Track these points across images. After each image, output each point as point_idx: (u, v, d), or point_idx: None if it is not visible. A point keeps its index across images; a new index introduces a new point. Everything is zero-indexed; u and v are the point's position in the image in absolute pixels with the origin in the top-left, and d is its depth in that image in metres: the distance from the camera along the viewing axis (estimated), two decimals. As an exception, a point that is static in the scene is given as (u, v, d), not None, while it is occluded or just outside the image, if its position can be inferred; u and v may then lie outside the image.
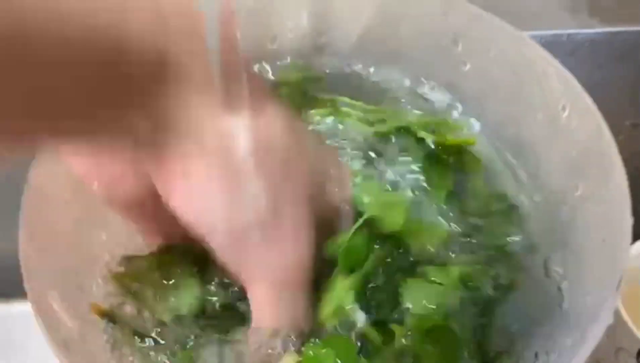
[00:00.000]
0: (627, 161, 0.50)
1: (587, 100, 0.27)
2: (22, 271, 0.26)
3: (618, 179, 0.25)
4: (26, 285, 0.25)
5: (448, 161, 0.30)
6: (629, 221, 0.24)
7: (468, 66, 0.33)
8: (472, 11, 0.31)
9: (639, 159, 0.50)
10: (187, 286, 0.29)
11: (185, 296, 0.28)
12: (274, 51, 0.35)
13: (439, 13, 0.32)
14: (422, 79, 0.33)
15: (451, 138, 0.31)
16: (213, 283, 0.29)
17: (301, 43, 0.36)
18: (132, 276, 0.29)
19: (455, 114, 0.32)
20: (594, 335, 0.21)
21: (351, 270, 0.27)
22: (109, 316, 0.29)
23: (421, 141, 0.30)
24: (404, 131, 0.30)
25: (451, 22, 0.32)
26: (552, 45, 0.44)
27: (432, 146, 0.30)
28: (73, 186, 0.28)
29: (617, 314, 0.44)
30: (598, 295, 0.23)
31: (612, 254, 0.24)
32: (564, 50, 0.44)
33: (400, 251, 0.27)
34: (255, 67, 0.34)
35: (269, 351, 0.27)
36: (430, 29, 0.33)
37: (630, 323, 0.43)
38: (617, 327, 0.44)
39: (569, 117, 0.28)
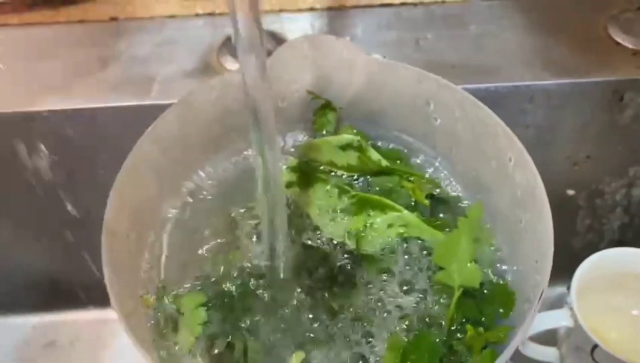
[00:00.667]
0: (584, 186, 0.59)
1: (526, 154, 0.35)
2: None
3: (545, 219, 0.33)
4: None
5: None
6: (551, 250, 0.32)
7: (439, 121, 0.41)
8: (440, 81, 0.39)
9: (594, 182, 0.58)
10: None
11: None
12: (283, 109, 0.43)
13: (414, 81, 0.40)
14: (403, 134, 0.42)
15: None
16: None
17: (305, 103, 0.43)
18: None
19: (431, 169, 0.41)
20: (524, 332, 0.29)
21: None
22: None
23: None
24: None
25: (424, 88, 0.40)
26: (513, 94, 0.53)
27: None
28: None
29: (574, 318, 0.51)
30: (530, 301, 0.31)
31: (540, 272, 0.32)
32: (523, 97, 0.52)
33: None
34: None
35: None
36: (408, 93, 0.41)
37: (585, 327, 0.50)
38: (575, 329, 0.52)
39: (513, 166, 0.36)
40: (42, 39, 0.55)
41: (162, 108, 0.50)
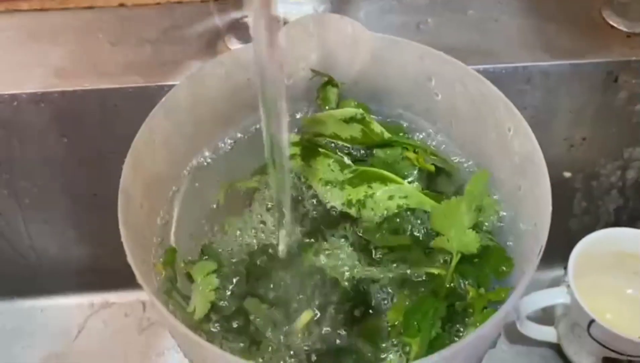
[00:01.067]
0: (580, 168, 0.60)
1: (525, 123, 0.37)
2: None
3: (544, 182, 0.34)
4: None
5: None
6: (549, 210, 0.33)
7: (440, 97, 0.43)
8: (443, 56, 0.41)
9: (590, 164, 0.60)
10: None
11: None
12: (288, 87, 0.44)
13: (417, 57, 0.42)
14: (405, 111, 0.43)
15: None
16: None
17: (310, 81, 0.45)
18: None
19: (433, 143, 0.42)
20: (521, 287, 0.30)
21: None
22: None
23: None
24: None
25: (427, 63, 0.42)
26: (512, 75, 0.54)
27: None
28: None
29: (572, 296, 0.53)
30: (530, 262, 0.33)
31: (538, 234, 0.33)
32: (521, 79, 0.53)
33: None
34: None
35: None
36: (411, 69, 0.43)
37: (582, 302, 0.52)
38: (572, 306, 0.53)
39: (512, 136, 0.38)
40: (51, 25, 0.56)
41: (170, 88, 0.52)
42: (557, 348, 0.58)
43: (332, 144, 0.43)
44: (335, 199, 0.40)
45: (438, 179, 0.41)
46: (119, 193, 0.34)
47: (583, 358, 0.55)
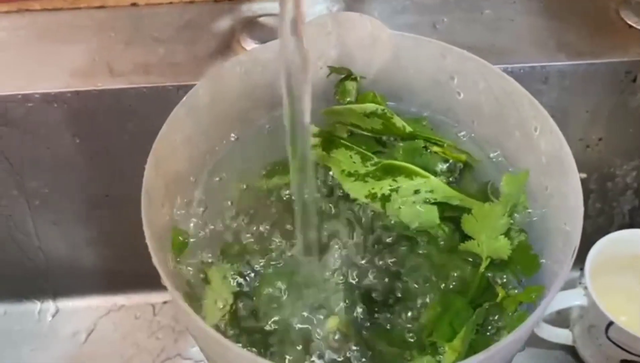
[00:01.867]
0: (596, 168, 0.60)
1: (552, 122, 0.36)
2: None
3: (573, 179, 0.34)
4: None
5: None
6: (581, 208, 0.33)
7: (462, 95, 0.42)
8: (465, 54, 0.40)
9: (606, 165, 0.60)
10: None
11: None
12: (320, 80, 0.43)
13: (439, 55, 0.41)
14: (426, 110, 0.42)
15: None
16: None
17: (328, 80, 0.44)
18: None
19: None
20: (556, 288, 0.30)
21: None
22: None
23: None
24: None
25: (448, 62, 0.41)
26: (528, 75, 0.54)
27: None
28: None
29: (589, 297, 0.52)
30: (560, 261, 0.32)
31: (570, 234, 0.33)
32: (538, 78, 0.53)
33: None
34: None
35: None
36: (432, 67, 0.42)
37: (599, 304, 0.51)
38: (589, 308, 0.53)
39: (539, 135, 0.37)
40: (63, 24, 0.56)
41: (185, 89, 0.52)
42: (572, 351, 0.58)
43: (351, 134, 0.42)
44: (358, 192, 0.39)
45: (462, 175, 0.40)
46: (142, 193, 0.33)
47: (599, 361, 0.54)
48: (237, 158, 0.43)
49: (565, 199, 0.34)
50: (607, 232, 0.56)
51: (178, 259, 0.37)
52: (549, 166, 0.37)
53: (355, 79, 0.43)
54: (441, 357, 0.31)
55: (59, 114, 0.52)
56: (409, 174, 0.39)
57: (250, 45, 0.53)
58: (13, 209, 0.57)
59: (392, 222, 0.38)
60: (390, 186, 0.39)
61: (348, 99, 0.42)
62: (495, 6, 0.56)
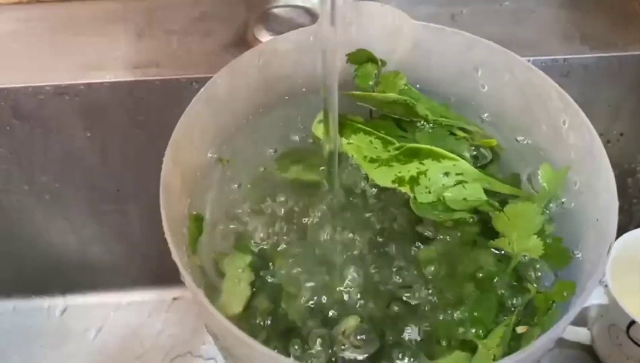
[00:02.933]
0: (616, 164, 0.58)
1: (582, 115, 0.35)
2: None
3: (606, 175, 0.33)
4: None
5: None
6: (615, 204, 0.32)
7: (486, 88, 0.41)
8: (492, 46, 0.39)
9: (626, 161, 0.58)
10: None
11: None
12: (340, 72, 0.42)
13: (464, 47, 0.40)
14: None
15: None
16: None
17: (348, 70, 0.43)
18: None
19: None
20: (592, 285, 0.29)
21: None
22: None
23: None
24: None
25: (474, 53, 0.40)
26: (551, 68, 0.52)
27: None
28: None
29: (609, 296, 0.51)
30: (594, 260, 0.31)
31: (603, 230, 0.32)
32: (560, 72, 0.51)
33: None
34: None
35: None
36: (456, 59, 0.41)
37: (621, 302, 0.50)
38: (610, 306, 0.51)
39: (568, 129, 0.36)
40: (75, 16, 0.55)
41: (198, 82, 0.51)
42: (589, 350, 0.57)
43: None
44: (383, 178, 0.37)
45: (489, 163, 0.39)
46: (161, 187, 0.32)
47: (619, 361, 0.53)
48: (252, 149, 0.42)
49: (597, 194, 0.33)
50: (627, 230, 0.55)
51: (194, 251, 0.36)
52: (578, 160, 0.35)
53: (376, 62, 0.41)
54: (468, 353, 0.30)
55: (70, 107, 0.51)
56: (436, 157, 0.37)
57: (264, 36, 0.52)
58: (23, 204, 0.57)
59: (420, 206, 0.36)
60: (418, 168, 0.37)
61: (370, 83, 0.41)
62: (515, -3, 0.55)
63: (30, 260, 0.61)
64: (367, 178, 0.38)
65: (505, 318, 0.32)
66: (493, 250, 0.34)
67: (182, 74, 0.50)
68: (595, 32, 0.52)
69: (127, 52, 0.52)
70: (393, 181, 0.37)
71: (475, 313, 0.32)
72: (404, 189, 0.37)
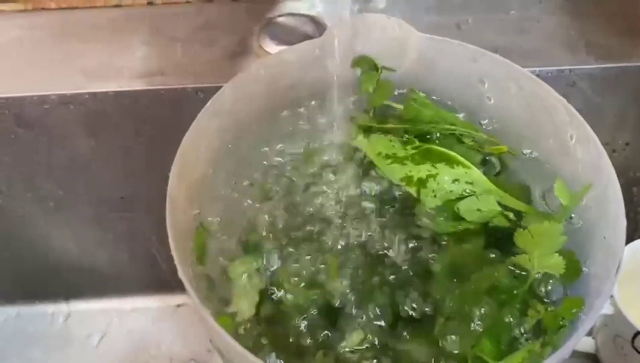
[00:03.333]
0: (622, 173, 0.58)
1: (589, 129, 0.35)
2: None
3: (613, 190, 0.33)
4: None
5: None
6: (623, 221, 0.31)
7: (492, 101, 0.41)
8: (497, 58, 0.39)
9: (632, 170, 0.58)
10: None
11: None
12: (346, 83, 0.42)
13: (469, 59, 0.40)
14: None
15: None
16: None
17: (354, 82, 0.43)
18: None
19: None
20: (600, 305, 0.29)
21: None
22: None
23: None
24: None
25: (479, 66, 0.40)
26: (556, 78, 0.52)
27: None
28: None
29: (614, 306, 0.51)
30: (602, 277, 0.31)
31: (611, 247, 0.32)
32: (566, 82, 0.51)
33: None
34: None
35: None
36: (462, 71, 0.41)
37: (626, 313, 0.50)
38: (615, 316, 0.51)
39: (575, 143, 0.36)
40: (79, 23, 0.55)
41: (203, 91, 0.51)
42: (594, 359, 0.56)
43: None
44: (393, 174, 0.37)
45: (497, 173, 0.39)
46: (167, 199, 0.32)
47: (623, 370, 0.53)
48: (258, 159, 0.42)
49: (605, 210, 0.33)
50: (633, 239, 0.54)
51: (202, 262, 0.36)
52: (585, 175, 0.35)
53: (377, 69, 0.41)
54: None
55: (74, 116, 0.51)
56: (450, 162, 0.37)
57: (269, 45, 0.52)
58: (27, 211, 0.57)
59: (427, 212, 0.36)
60: (429, 171, 0.37)
61: (370, 90, 0.41)
62: (520, 6, 0.55)
63: (34, 266, 0.61)
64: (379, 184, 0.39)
65: (519, 336, 0.32)
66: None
67: (187, 83, 0.50)
68: (600, 42, 0.52)
69: (132, 61, 0.52)
70: (402, 179, 0.37)
71: (491, 331, 0.31)
72: (411, 189, 0.37)
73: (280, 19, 0.54)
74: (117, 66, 0.51)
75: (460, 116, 0.41)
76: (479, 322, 0.31)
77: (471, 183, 0.36)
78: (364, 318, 0.34)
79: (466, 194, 0.36)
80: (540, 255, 0.32)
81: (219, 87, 0.39)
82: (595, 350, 0.56)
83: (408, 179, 0.37)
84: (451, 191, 0.36)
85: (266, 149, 0.41)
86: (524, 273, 0.33)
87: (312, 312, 0.34)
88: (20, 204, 0.56)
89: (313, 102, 0.41)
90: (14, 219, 0.57)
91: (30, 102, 0.50)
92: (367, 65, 0.41)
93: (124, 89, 0.50)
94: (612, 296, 0.51)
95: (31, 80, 0.50)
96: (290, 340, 0.34)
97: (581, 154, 0.36)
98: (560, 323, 0.30)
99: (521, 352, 0.30)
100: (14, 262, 0.61)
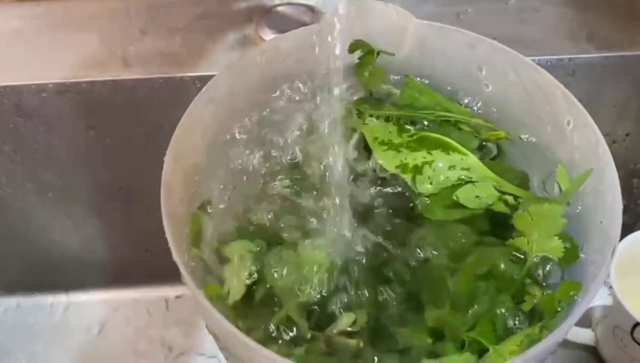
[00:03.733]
0: (622, 163, 0.58)
1: (587, 116, 0.35)
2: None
3: (610, 176, 0.32)
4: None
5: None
6: (619, 206, 0.31)
7: (490, 88, 0.41)
8: (495, 45, 0.39)
9: (632, 161, 0.58)
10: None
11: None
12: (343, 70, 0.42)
13: (468, 46, 0.40)
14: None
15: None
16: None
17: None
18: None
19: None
20: (596, 287, 0.28)
21: None
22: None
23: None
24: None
25: (478, 53, 0.40)
26: (556, 67, 0.52)
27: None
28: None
29: (614, 297, 0.51)
30: (598, 262, 0.31)
31: (608, 232, 0.31)
32: (565, 71, 0.51)
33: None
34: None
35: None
36: (460, 58, 0.41)
37: (625, 304, 0.50)
38: (614, 307, 0.51)
39: (572, 129, 0.36)
40: (78, 13, 0.55)
41: (202, 80, 0.50)
42: (593, 351, 0.56)
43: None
44: (388, 161, 0.37)
45: (494, 159, 0.39)
46: (162, 185, 0.32)
47: (622, 362, 0.53)
48: (254, 146, 0.42)
49: (601, 196, 0.33)
50: (632, 230, 0.54)
51: (197, 245, 0.36)
52: (583, 162, 0.35)
53: (372, 53, 0.41)
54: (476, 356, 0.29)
55: (73, 105, 0.51)
56: (446, 149, 0.37)
57: (267, 34, 0.52)
58: (26, 202, 0.57)
59: (422, 199, 0.36)
60: (424, 158, 0.37)
61: (365, 74, 0.41)
62: (520, -4, 0.55)
63: (33, 257, 0.61)
64: (374, 170, 0.38)
65: (515, 320, 0.32)
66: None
67: (185, 72, 0.50)
68: (601, 31, 0.52)
69: (130, 50, 0.52)
70: (397, 167, 0.37)
71: (487, 314, 0.31)
72: (406, 176, 0.37)
73: (279, 8, 0.54)
74: (116, 55, 0.51)
75: (461, 101, 0.41)
76: (475, 305, 0.31)
77: (467, 169, 0.36)
78: (355, 300, 0.34)
79: (462, 180, 0.36)
80: (539, 237, 0.32)
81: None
82: (594, 342, 0.55)
83: (403, 167, 0.37)
84: (447, 177, 0.36)
85: (263, 134, 0.41)
86: (521, 256, 0.33)
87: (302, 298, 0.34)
88: (20, 194, 0.56)
89: (309, 89, 0.41)
90: (14, 210, 0.57)
91: (29, 91, 0.50)
92: (364, 49, 0.40)
93: (122, 78, 0.50)
94: (611, 287, 0.51)
95: (30, 69, 0.50)
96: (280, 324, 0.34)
97: (578, 140, 0.35)
98: (558, 306, 0.30)
99: (518, 335, 0.29)
100: (13, 253, 0.61)
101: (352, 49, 0.40)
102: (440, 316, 0.31)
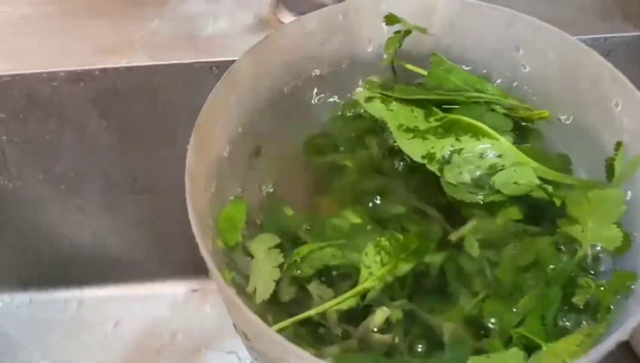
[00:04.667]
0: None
1: (637, 94, 0.32)
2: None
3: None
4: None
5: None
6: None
7: (527, 68, 0.38)
8: (534, 22, 0.36)
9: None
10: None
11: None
12: (371, 53, 0.41)
13: (503, 24, 0.37)
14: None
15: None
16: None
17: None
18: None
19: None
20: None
21: None
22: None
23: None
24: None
25: (514, 31, 0.37)
26: (591, 47, 0.49)
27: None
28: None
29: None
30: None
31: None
32: (601, 51, 0.48)
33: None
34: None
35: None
36: (494, 37, 0.38)
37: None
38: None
39: (620, 111, 0.34)
40: (89, -2, 0.53)
41: (218, 66, 0.48)
42: (625, 344, 0.54)
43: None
44: (414, 151, 0.35)
45: (531, 143, 0.36)
46: (186, 176, 0.30)
47: (657, 355, 0.51)
48: (278, 135, 0.40)
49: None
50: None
51: (226, 245, 0.34)
52: (633, 145, 0.33)
53: (408, 31, 0.39)
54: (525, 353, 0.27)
55: (85, 94, 0.49)
56: (476, 134, 0.34)
57: (286, 17, 0.49)
58: (38, 195, 0.55)
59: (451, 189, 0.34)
60: (452, 146, 0.34)
61: (391, 51, 0.39)
62: (551, -26, 0.52)
63: (46, 252, 0.60)
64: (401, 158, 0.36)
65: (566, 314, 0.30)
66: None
67: (201, 58, 0.48)
68: (637, 9, 0.49)
69: (144, 36, 0.50)
70: (423, 157, 0.35)
71: (536, 309, 0.29)
72: (432, 167, 0.34)
73: (298, -9, 0.52)
74: (129, 41, 0.49)
75: (496, 83, 0.38)
76: (523, 299, 0.29)
77: (500, 156, 0.34)
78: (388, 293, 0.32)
79: (495, 168, 0.34)
80: (595, 226, 0.30)
81: (234, 62, 0.37)
82: (628, 335, 0.53)
83: (430, 157, 0.35)
84: (479, 166, 0.34)
85: (286, 123, 0.39)
86: (572, 246, 0.31)
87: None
88: (32, 187, 0.55)
89: (335, 72, 0.39)
90: (26, 204, 0.56)
91: (39, 80, 0.48)
92: (397, 23, 0.38)
93: (136, 65, 0.48)
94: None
95: (41, 57, 0.49)
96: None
97: (627, 122, 0.33)
98: (616, 298, 0.28)
99: (577, 334, 0.27)
100: (26, 248, 0.59)
101: (389, 21, 0.37)
102: (493, 309, 0.29)
